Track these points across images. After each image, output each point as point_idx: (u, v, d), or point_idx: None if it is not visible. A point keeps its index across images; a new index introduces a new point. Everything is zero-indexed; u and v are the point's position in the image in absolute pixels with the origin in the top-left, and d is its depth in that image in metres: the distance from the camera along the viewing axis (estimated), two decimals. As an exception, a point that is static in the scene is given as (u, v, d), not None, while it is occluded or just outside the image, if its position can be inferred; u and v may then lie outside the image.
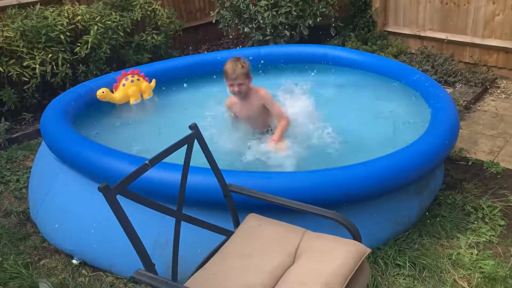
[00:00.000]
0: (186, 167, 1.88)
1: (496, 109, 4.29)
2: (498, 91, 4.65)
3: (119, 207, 1.56)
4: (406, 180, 2.51)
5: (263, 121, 3.13)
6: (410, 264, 2.40)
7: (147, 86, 3.89)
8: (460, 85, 4.67)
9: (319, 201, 2.21)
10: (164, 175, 2.23)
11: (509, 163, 3.40)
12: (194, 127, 1.93)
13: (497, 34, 4.73)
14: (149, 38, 5.02)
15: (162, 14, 5.25)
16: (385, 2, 5.48)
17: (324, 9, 5.13)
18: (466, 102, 4.30)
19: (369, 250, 1.82)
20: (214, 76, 3.80)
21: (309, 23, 5.09)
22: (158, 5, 5.32)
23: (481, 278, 2.32)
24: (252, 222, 1.99)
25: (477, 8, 4.76)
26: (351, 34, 5.55)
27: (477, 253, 2.49)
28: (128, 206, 1.62)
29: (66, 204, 2.67)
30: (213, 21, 5.77)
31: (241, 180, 2.16)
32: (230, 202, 2.04)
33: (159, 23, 5.22)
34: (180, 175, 1.86)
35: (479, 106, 4.39)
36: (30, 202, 3.05)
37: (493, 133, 3.86)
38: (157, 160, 1.76)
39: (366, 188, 2.35)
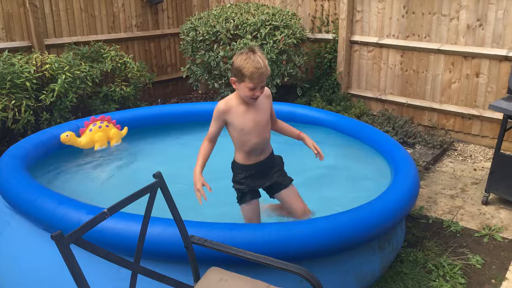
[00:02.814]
0: (146, 217, 1.82)
1: (454, 170, 4.46)
2: (456, 153, 4.86)
3: (72, 257, 1.48)
4: (369, 235, 2.52)
5: (268, 128, 2.58)
6: (374, 323, 2.35)
7: (116, 132, 3.86)
8: (420, 146, 4.86)
9: (283, 255, 2.18)
10: (123, 225, 2.15)
11: (467, 222, 3.49)
12: (158, 175, 1.90)
13: (453, 100, 5.03)
14: (117, 89, 5.04)
15: (133, 67, 5.32)
16: (349, 67, 5.78)
17: (291, 70, 5.34)
18: (425, 163, 4.46)
19: (332, 306, 1.78)
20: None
21: (277, 82, 5.27)
22: (129, 58, 5.40)
23: (444, 338, 2.29)
24: (213, 276, 1.92)
25: (435, 76, 5.09)
26: (317, 94, 5.77)
27: (439, 312, 2.48)
28: (82, 256, 1.54)
29: (16, 256, 2.50)
30: (183, 76, 5.88)
31: (204, 232, 2.12)
32: (191, 255, 1.98)
33: (129, 75, 5.27)
34: (140, 225, 1.80)
35: (438, 167, 4.55)
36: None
37: (452, 193, 3.98)
38: (116, 208, 1.70)
39: (329, 242, 2.34)
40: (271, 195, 2.72)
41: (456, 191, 4.02)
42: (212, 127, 2.49)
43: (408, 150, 4.73)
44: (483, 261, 2.99)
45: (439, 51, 4.94)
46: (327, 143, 4.09)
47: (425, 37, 5.04)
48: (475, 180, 4.22)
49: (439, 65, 5.00)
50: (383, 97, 5.52)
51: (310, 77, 6.12)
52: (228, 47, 5.16)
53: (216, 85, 5.49)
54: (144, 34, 6.42)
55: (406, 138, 4.94)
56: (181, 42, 5.85)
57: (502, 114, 3.52)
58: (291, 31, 5.26)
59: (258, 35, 5.13)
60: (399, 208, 2.65)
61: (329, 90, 5.84)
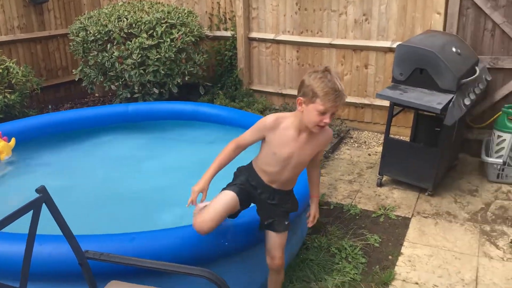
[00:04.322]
0: (31, 236, 1.66)
1: (351, 157, 4.74)
2: (352, 141, 5.17)
3: None
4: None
5: (302, 169, 2.25)
6: (284, 313, 2.41)
7: (4, 145, 3.53)
8: (320, 136, 5.09)
9: (191, 259, 2.14)
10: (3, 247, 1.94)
11: (365, 204, 3.73)
12: (41, 190, 1.73)
13: (347, 91, 5.27)
14: (0, 97, 4.57)
15: (17, 72, 4.86)
16: (249, 63, 5.86)
17: (192, 69, 5.26)
18: (325, 152, 4.68)
19: (238, 304, 1.77)
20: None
21: (177, 81, 5.17)
22: (13, 63, 4.93)
23: (348, 317, 2.42)
24: (113, 290, 1.81)
25: (328, 68, 5.35)
26: (220, 92, 5.77)
27: (344, 293, 2.61)
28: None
29: None
30: (76, 79, 5.51)
31: (100, 245, 1.99)
32: (87, 271, 1.84)
33: (13, 81, 4.81)
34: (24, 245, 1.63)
35: (337, 155, 4.81)
36: None
37: (350, 178, 4.23)
38: (-8, 230, 1.52)
39: (236, 241, 2.34)
40: (260, 226, 2.33)
41: (354, 176, 4.28)
42: (248, 134, 2.14)
43: (309, 141, 4.92)
44: (380, 240, 3.21)
45: (331, 46, 5.20)
46: (230, 140, 4.12)
47: (317, 33, 5.28)
48: (370, 164, 4.53)
49: (332, 58, 5.27)
50: (284, 92, 5.69)
51: (212, 75, 6.10)
52: (122, 47, 4.94)
53: (113, 87, 5.23)
54: (29, 36, 5.90)
55: (307, 129, 5.14)
56: (70, 43, 5.47)
57: (389, 101, 3.80)
58: (188, 29, 5.18)
59: (154, 33, 4.98)
60: (301, 199, 2.73)
61: (232, 87, 5.87)
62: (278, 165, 2.10)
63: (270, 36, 5.56)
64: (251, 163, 2.27)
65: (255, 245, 2.47)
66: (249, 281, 2.51)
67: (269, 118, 2.06)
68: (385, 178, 4.11)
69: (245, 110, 5.29)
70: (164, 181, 3.37)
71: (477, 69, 3.76)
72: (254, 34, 5.67)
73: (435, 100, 3.35)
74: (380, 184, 4.05)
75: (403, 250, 3.11)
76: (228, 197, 2.16)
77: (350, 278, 2.76)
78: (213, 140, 4.12)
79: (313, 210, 2.41)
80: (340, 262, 2.90)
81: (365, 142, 5.13)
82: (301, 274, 2.75)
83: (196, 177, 2.74)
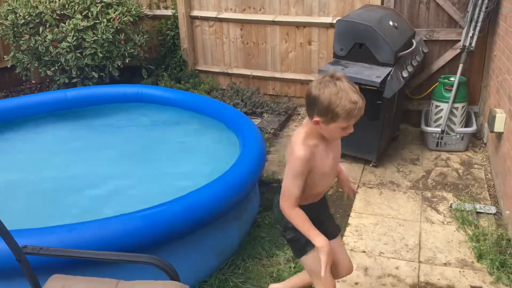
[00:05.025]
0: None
1: (299, 133, 4.80)
2: (299, 118, 5.23)
3: None
4: (223, 209, 2.56)
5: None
6: (236, 291, 2.42)
7: None
8: (268, 115, 5.10)
9: (137, 246, 2.09)
10: None
11: (313, 179, 3.80)
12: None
13: (292, 69, 5.35)
14: None
15: None
16: (193, 43, 5.72)
17: (132, 50, 5.07)
18: (273, 130, 4.70)
19: (187, 287, 1.76)
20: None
21: (118, 64, 4.97)
22: None
23: (300, 289, 2.48)
24: (55, 284, 1.73)
25: (273, 47, 5.33)
26: (164, 73, 5.61)
27: (295, 266, 2.66)
28: None
29: None
30: (8, 66, 5.16)
31: (40, 239, 1.90)
32: (26, 267, 1.75)
33: None
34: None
35: (285, 132, 4.85)
36: None
37: (299, 155, 4.28)
38: None
39: (184, 224, 2.31)
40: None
41: (302, 152, 4.34)
42: (295, 187, 1.78)
43: (257, 120, 4.93)
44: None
45: (274, 23, 5.18)
46: (177, 122, 4.04)
47: (260, 10, 5.23)
48: (318, 139, 4.60)
49: (276, 36, 5.25)
50: (230, 71, 5.63)
51: (155, 57, 5.91)
52: (56, 29, 4.66)
53: (49, 72, 4.95)
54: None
55: (254, 108, 5.13)
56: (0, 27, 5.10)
57: (331, 77, 3.85)
58: (125, 8, 4.96)
59: (89, 14, 4.73)
60: (248, 179, 2.73)
61: (176, 68, 5.73)
62: (327, 178, 1.92)
63: (213, 14, 5.45)
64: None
65: (205, 227, 2.45)
66: (202, 265, 2.50)
67: (303, 151, 1.76)
68: (332, 152, 4.20)
69: (192, 91, 5.20)
70: (105, 170, 3.25)
71: (414, 41, 3.88)
72: (196, 13, 5.53)
73: (374, 74, 3.44)
74: (327, 159, 4.12)
75: (350, 220, 3.21)
76: (316, 263, 1.84)
77: (301, 251, 2.82)
78: (157, 123, 4.03)
79: (346, 182, 2.17)
80: (291, 237, 2.95)
81: (312, 118, 5.20)
82: (253, 251, 2.77)
83: (140, 163, 2.65)
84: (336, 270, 2.10)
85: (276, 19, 5.15)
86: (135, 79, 5.57)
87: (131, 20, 5.02)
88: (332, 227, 2.08)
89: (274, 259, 2.73)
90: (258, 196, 3.29)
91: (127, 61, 5.11)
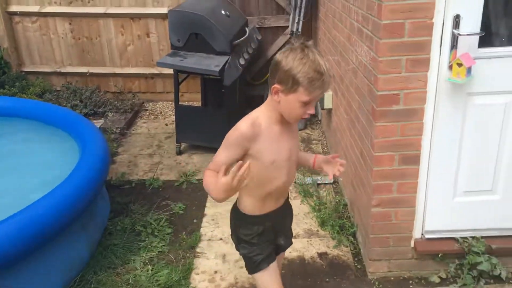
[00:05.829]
0: None
1: (149, 130, 4.64)
2: (147, 113, 5.06)
3: None
4: (66, 221, 2.32)
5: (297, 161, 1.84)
6: (90, 308, 2.24)
7: None
8: (112, 114, 4.82)
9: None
10: None
11: (167, 175, 3.72)
12: None
13: (133, 63, 5.13)
14: None
15: None
16: (15, 42, 5.08)
17: None
18: (119, 129, 4.46)
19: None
20: None
21: None
22: None
23: (160, 290, 2.40)
24: None
25: (109, 40, 5.03)
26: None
27: (152, 268, 2.57)
28: None
29: None
30: None
31: None
32: None
33: None
34: None
35: (133, 129, 4.64)
36: None
37: (150, 152, 4.15)
38: None
39: (20, 244, 2.04)
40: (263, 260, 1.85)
41: (154, 149, 4.21)
42: (222, 155, 1.59)
43: (100, 120, 4.62)
44: (184, 206, 3.25)
45: (106, 15, 4.87)
46: (3, 132, 3.54)
47: (88, 2, 4.87)
48: (168, 134, 4.52)
49: (110, 29, 4.96)
50: (63, 70, 5.15)
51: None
52: None
53: None
54: None
55: (96, 108, 4.79)
56: None
57: (172, 69, 3.79)
58: None
59: None
60: (90, 185, 2.52)
61: (-2, 71, 5.03)
62: (282, 170, 1.69)
63: (34, 8, 4.90)
64: (242, 215, 1.77)
65: (45, 244, 2.20)
66: (48, 284, 2.25)
67: (243, 126, 1.58)
68: (184, 145, 4.16)
69: (19, 96, 4.63)
70: None
71: (247, 29, 4.03)
72: (14, 8, 4.91)
73: (213, 63, 3.47)
74: (179, 152, 4.08)
75: (206, 211, 3.22)
76: (268, 282, 1.77)
77: (158, 251, 2.73)
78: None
79: (327, 164, 1.85)
80: (147, 239, 2.84)
81: (161, 112, 5.08)
82: (106, 261, 2.59)
83: None
84: None
85: (107, 11, 4.85)
86: None
87: None
88: (284, 241, 1.92)
89: (130, 265, 2.59)
90: (107, 201, 3.08)
91: None
